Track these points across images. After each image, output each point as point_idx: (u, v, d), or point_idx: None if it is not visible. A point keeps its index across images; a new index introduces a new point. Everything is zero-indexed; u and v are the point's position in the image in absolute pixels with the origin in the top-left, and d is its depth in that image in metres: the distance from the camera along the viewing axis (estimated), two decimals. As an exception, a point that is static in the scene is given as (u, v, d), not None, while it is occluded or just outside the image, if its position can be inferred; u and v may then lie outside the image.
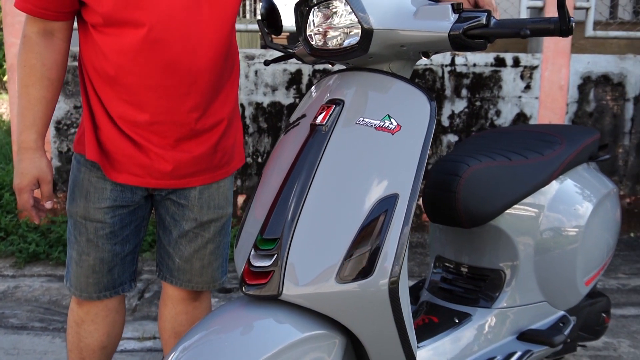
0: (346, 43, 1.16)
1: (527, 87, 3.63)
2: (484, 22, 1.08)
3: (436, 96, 3.64)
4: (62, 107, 3.49)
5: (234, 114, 1.46)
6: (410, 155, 1.08)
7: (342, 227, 1.06)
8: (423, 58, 1.19)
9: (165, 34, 1.25)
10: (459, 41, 1.08)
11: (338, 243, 1.05)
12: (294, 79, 3.48)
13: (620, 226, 1.85)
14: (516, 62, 3.60)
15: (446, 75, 3.60)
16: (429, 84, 3.61)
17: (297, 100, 3.51)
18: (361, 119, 1.13)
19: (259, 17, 1.52)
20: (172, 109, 1.32)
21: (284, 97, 3.50)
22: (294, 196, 1.10)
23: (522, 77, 3.61)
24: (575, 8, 3.59)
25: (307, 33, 1.21)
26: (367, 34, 1.12)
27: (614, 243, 1.79)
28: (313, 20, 1.19)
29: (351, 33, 1.15)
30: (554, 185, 1.63)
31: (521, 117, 3.67)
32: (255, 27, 4.21)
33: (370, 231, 1.04)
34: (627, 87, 3.68)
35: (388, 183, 1.06)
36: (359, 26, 1.12)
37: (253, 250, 1.11)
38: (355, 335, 1.09)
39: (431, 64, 3.57)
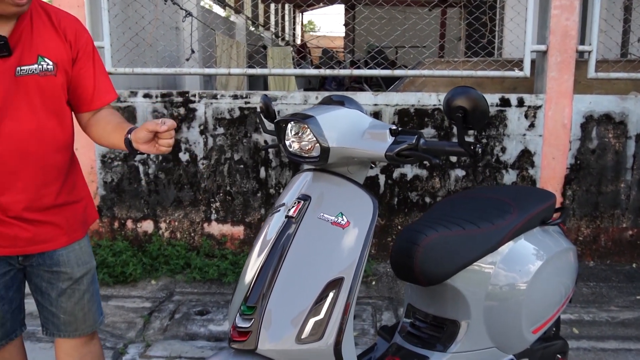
0: (313, 153, 1.50)
1: (532, 126, 3.87)
2: (414, 144, 1.41)
3: (445, 135, 3.93)
4: (108, 143, 3.96)
5: (84, 192, 1.82)
6: (355, 247, 1.42)
7: (301, 300, 1.40)
8: (372, 166, 1.52)
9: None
10: (394, 160, 1.41)
11: (298, 313, 1.39)
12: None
13: (575, 280, 2.12)
14: (520, 103, 3.84)
15: (454, 115, 3.87)
16: (437, 123, 3.89)
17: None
18: (322, 214, 1.47)
19: (259, 108, 1.88)
20: (26, 190, 1.63)
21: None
22: (268, 274, 1.45)
23: (526, 116, 3.86)
24: (578, 51, 3.82)
25: (285, 141, 1.56)
26: (325, 150, 1.46)
27: (566, 295, 2.06)
28: (288, 133, 1.55)
29: (315, 146, 1.49)
30: (508, 244, 1.92)
31: (525, 154, 3.91)
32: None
33: (322, 305, 1.38)
34: (628, 125, 3.87)
35: (337, 268, 1.41)
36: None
37: (238, 315, 1.47)
38: None
39: (440, 104, 3.85)
